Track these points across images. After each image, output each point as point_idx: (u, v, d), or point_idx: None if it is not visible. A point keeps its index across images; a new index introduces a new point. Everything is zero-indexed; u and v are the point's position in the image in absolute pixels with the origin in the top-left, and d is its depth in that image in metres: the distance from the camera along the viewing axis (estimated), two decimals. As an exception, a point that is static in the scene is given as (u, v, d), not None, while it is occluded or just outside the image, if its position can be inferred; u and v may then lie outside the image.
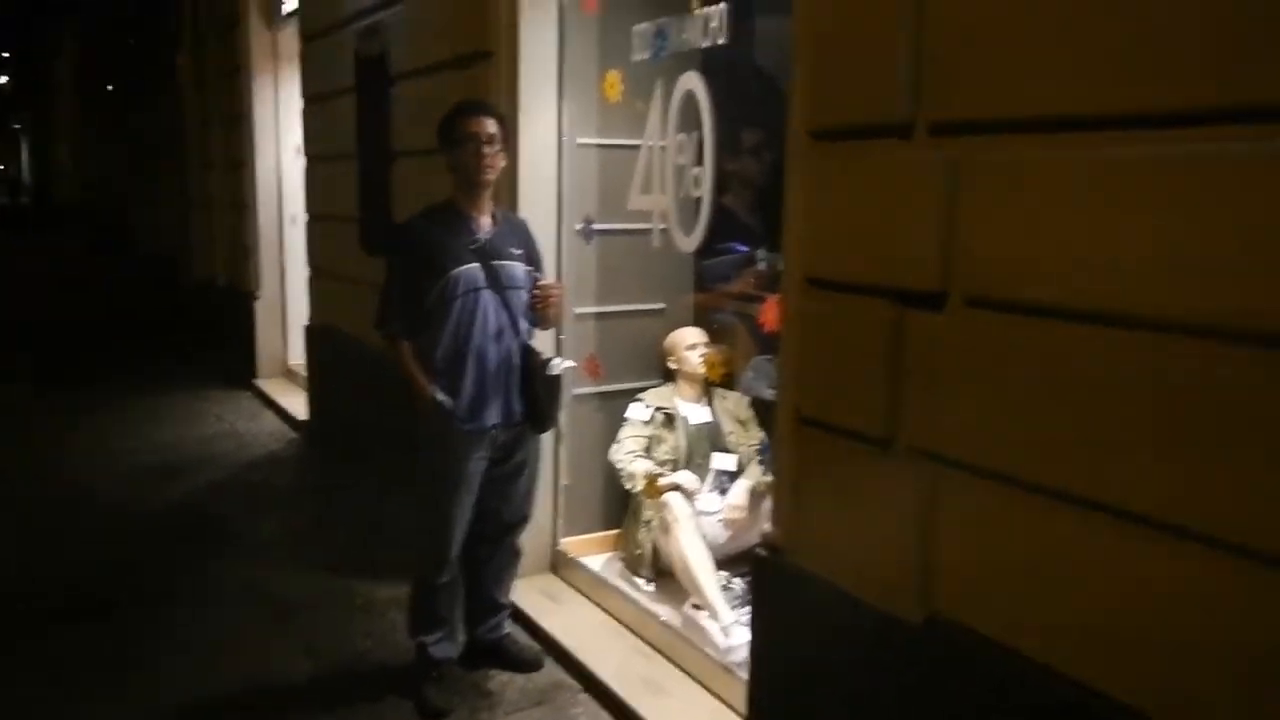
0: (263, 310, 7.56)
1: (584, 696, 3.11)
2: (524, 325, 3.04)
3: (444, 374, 2.94)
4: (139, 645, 3.48)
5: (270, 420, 6.74)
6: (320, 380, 6.29)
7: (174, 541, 4.46)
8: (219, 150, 8.24)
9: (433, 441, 2.98)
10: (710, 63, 3.28)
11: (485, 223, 3.01)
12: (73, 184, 24.25)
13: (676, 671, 3.12)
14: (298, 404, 6.65)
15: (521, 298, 3.03)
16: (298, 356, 7.17)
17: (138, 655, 3.41)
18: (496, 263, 2.97)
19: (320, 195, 6.05)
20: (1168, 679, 1.59)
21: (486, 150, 2.92)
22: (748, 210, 3.70)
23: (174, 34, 9.54)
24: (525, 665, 3.27)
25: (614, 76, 3.60)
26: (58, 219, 25.56)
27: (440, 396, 2.92)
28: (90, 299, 12.62)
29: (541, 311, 3.08)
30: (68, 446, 6.01)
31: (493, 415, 2.98)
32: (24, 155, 41.96)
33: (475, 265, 2.93)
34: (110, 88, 15.30)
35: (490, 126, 2.94)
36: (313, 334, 6.36)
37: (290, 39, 6.78)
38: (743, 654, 2.86)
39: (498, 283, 2.96)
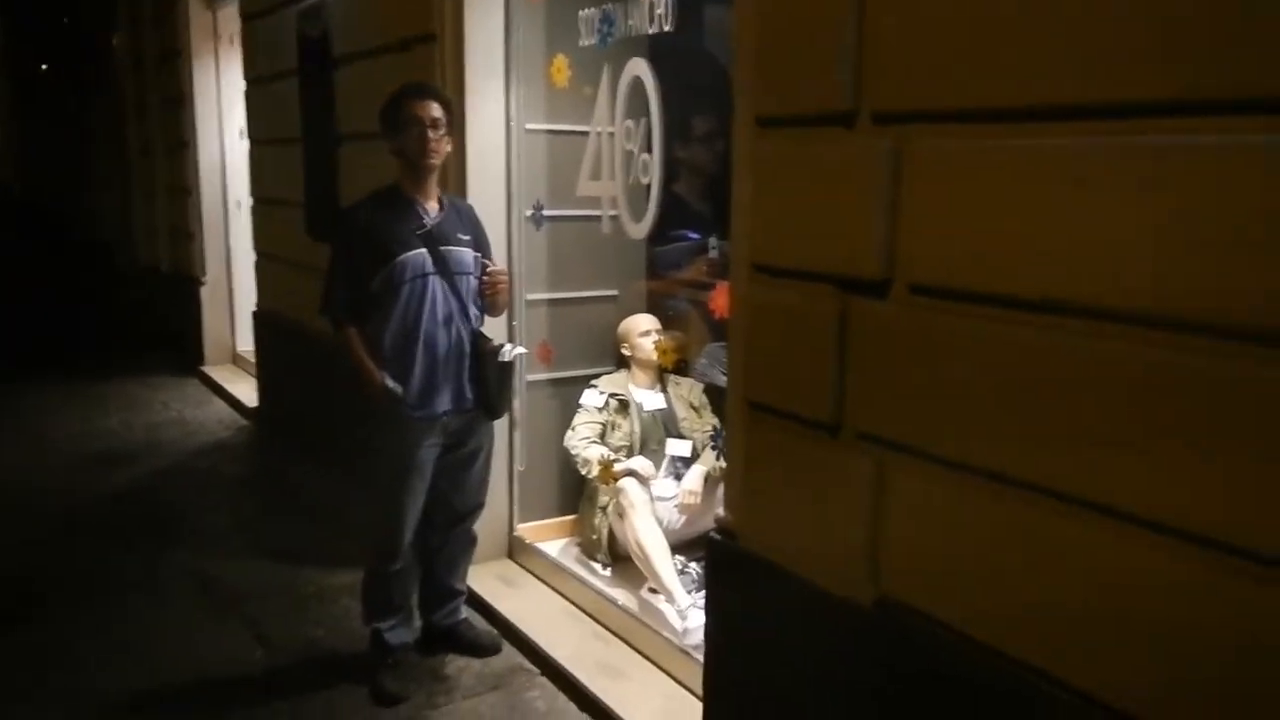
0: (208, 296, 7.43)
1: (541, 680, 3.13)
2: (474, 311, 3.03)
3: (393, 361, 2.92)
4: (77, 641, 3.42)
5: (219, 407, 6.64)
6: (269, 366, 6.21)
7: (116, 532, 4.39)
8: (159, 133, 8.06)
9: (383, 429, 2.96)
10: (658, 49, 3.27)
11: (432, 208, 2.99)
12: (5, 168, 23.53)
13: (634, 655, 3.15)
14: (247, 391, 6.57)
15: (470, 283, 3.02)
16: (246, 343, 7.06)
17: (76, 650, 3.36)
18: (444, 248, 2.95)
19: (265, 179, 5.95)
20: (1111, 661, 1.64)
21: (431, 134, 2.89)
22: (699, 198, 3.70)
23: (110, 13, 9.29)
24: (482, 650, 3.28)
25: (561, 61, 3.57)
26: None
27: (390, 383, 2.90)
28: (27, 286, 12.29)
29: (490, 298, 3.07)
30: (2, 435, 5.86)
31: (443, 402, 2.97)
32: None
33: (422, 251, 2.91)
34: (44, 68, 14.86)
35: (435, 110, 2.91)
36: (261, 320, 6.27)
37: (231, 18, 6.63)
38: (699, 637, 2.88)
39: (446, 268, 2.94)
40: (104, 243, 11.19)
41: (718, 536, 2.48)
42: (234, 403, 6.59)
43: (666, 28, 3.01)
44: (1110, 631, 1.63)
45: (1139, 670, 1.59)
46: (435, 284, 2.92)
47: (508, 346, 3.08)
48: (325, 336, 4.81)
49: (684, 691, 2.90)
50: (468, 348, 3.00)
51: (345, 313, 2.96)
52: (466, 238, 3.03)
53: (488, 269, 3.06)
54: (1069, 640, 1.69)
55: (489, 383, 3.02)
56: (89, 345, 8.71)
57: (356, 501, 4.49)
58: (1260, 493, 1.42)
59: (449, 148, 3.01)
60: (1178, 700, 1.54)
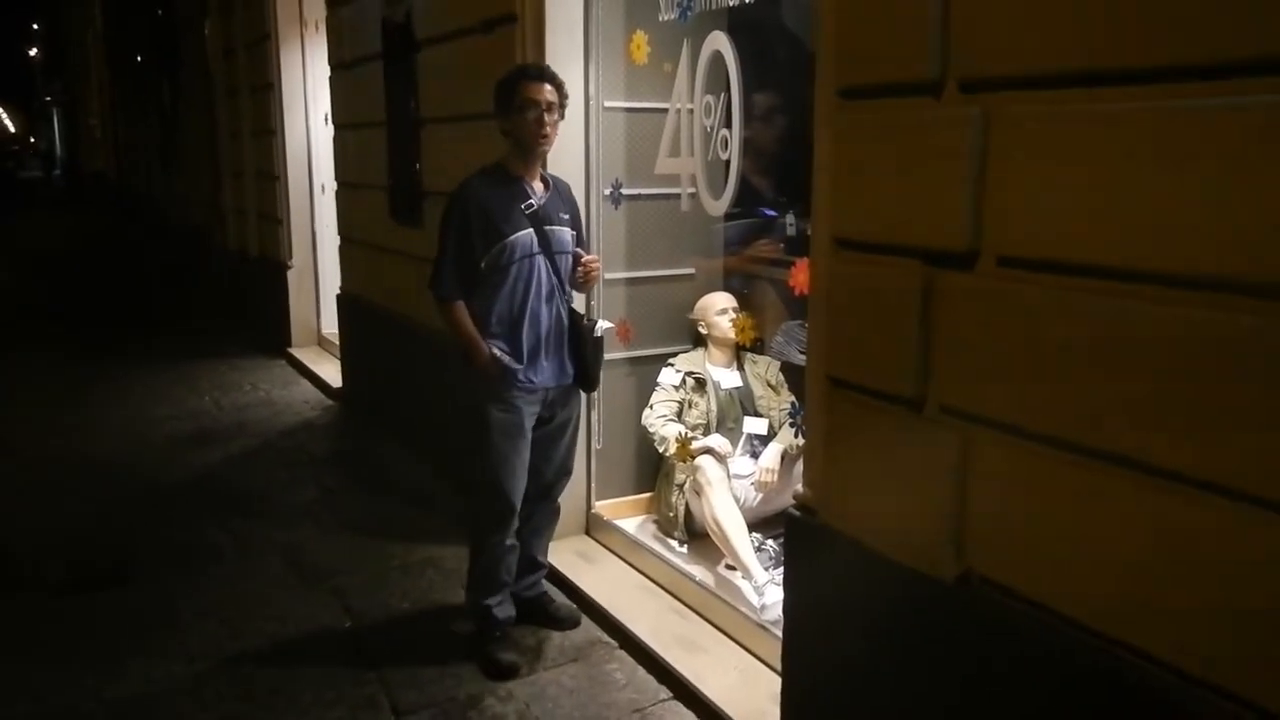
0: (295, 280, 7.63)
1: (620, 653, 3.17)
2: (570, 287, 3.08)
3: (500, 336, 2.98)
4: (172, 603, 3.56)
5: (304, 388, 6.83)
6: (353, 348, 6.36)
7: (207, 507, 4.54)
8: (248, 119, 8.28)
9: (491, 401, 3.00)
10: (738, 23, 3.25)
11: (538, 188, 3.04)
12: (104, 156, 24.44)
13: (712, 630, 3.17)
14: (332, 372, 6.74)
15: (568, 262, 3.07)
16: (331, 325, 7.24)
17: (171, 612, 3.50)
18: (548, 228, 3.01)
19: (350, 164, 6.08)
20: (1198, 634, 1.59)
21: (547, 119, 2.93)
22: (778, 173, 3.67)
23: (201, 2, 9.56)
24: (563, 622, 3.33)
25: (640, 38, 3.58)
26: (89, 191, 25.83)
27: (498, 351, 2.96)
28: (122, 271, 12.80)
29: (583, 283, 3.14)
30: (100, 415, 6.11)
31: (548, 375, 3.03)
32: (56, 127, 42.39)
33: (529, 231, 2.97)
34: (139, 58, 15.37)
35: (551, 94, 2.95)
36: (345, 302, 6.42)
37: (316, 5, 6.78)
38: (777, 612, 2.89)
39: (549, 248, 3.00)
40: (195, 227, 11.55)
41: (797, 512, 2.47)
42: (319, 384, 6.77)
43: (747, 0, 2.99)
44: (1199, 605, 1.58)
45: (1231, 645, 1.54)
46: (540, 263, 2.98)
47: (601, 322, 3.16)
48: (406, 318, 4.94)
49: (761, 665, 2.91)
50: (566, 323, 3.06)
51: (455, 288, 2.99)
52: (566, 217, 3.08)
53: (582, 259, 3.11)
54: (1155, 614, 1.65)
55: (586, 357, 3.09)
56: (181, 327, 9.02)
57: (442, 480, 4.60)
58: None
59: (558, 133, 3.04)
60: (1267, 670, 1.50)
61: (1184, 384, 1.58)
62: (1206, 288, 1.53)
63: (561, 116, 3.01)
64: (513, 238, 2.94)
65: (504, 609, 3.16)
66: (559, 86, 2.99)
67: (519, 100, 2.92)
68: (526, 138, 2.94)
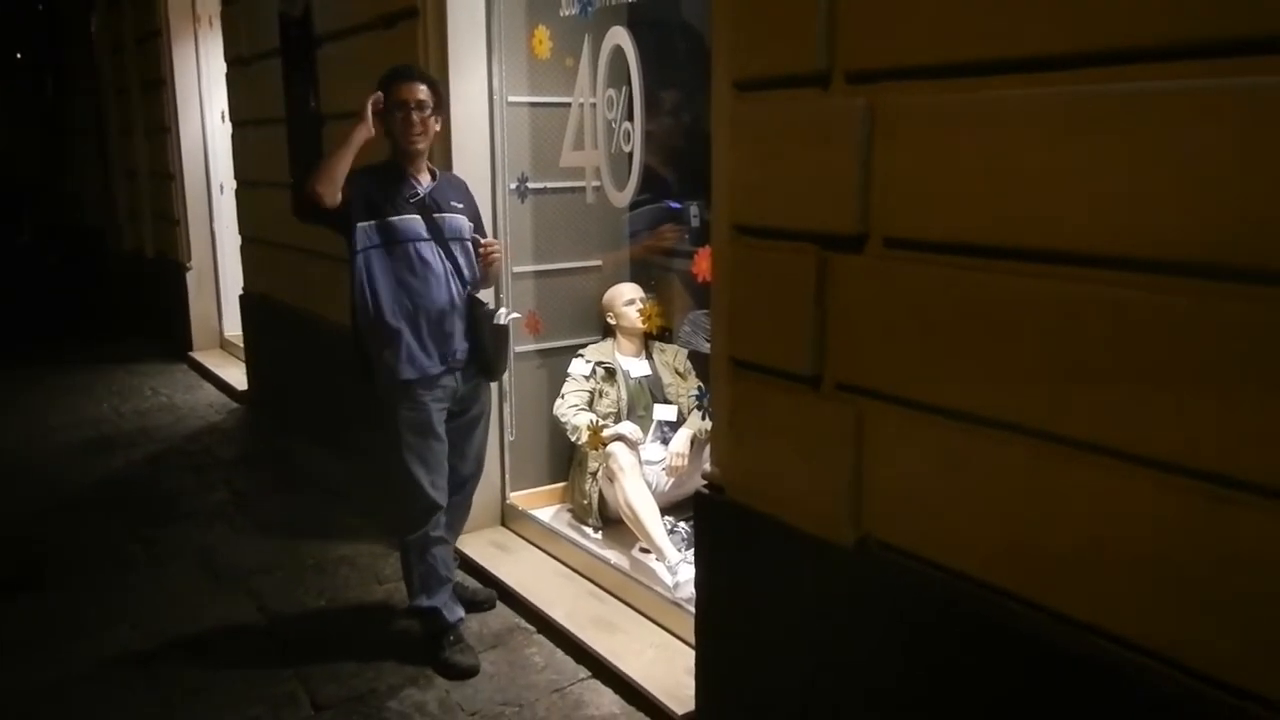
0: (195, 281, 7.45)
1: (539, 637, 3.22)
2: (469, 276, 3.10)
3: (390, 323, 2.96)
4: (81, 608, 3.50)
5: (209, 392, 6.69)
6: (258, 349, 6.26)
7: (114, 512, 4.44)
8: (140, 117, 8.05)
9: (399, 401, 3.00)
10: (637, 18, 3.33)
11: (424, 179, 3.06)
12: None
13: (628, 610, 3.24)
14: (236, 375, 6.61)
15: (467, 249, 3.09)
16: (234, 328, 7.09)
17: (81, 616, 3.43)
18: (438, 215, 3.02)
19: (250, 162, 5.97)
20: (1081, 581, 1.73)
21: (417, 117, 2.95)
22: (679, 164, 3.76)
23: (86, -2, 9.25)
24: (481, 604, 3.39)
25: (542, 33, 3.63)
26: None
27: (388, 353, 2.96)
28: (10, 273, 12.26)
29: (484, 269, 3.15)
30: (-6, 423, 5.91)
31: (434, 363, 3.01)
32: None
33: (416, 217, 2.98)
34: (19, 56, 14.72)
35: (421, 93, 2.97)
36: (248, 303, 6.31)
37: (210, 0, 6.64)
38: (690, 590, 2.98)
39: (440, 235, 3.01)
40: (87, 229, 11.15)
41: (706, 490, 2.57)
42: (224, 387, 6.64)
43: (645, -4, 3.07)
44: (1081, 556, 1.72)
45: (1114, 591, 1.68)
46: (429, 250, 2.99)
47: (503, 311, 3.19)
48: (315, 316, 4.90)
49: (676, 641, 3.00)
50: (462, 311, 3.07)
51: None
52: (460, 205, 3.10)
53: (481, 242, 3.13)
54: (1041, 565, 1.79)
55: (486, 346, 3.11)
56: (74, 332, 8.72)
57: (355, 477, 4.58)
58: (1209, 419, 1.51)
59: (437, 128, 3.07)
60: (1147, 613, 1.64)
61: (1056, 351, 1.72)
62: (1077, 262, 1.67)
63: (437, 114, 3.03)
64: (395, 219, 2.95)
65: (452, 610, 3.12)
66: (432, 85, 3.02)
67: (389, 102, 2.95)
68: (400, 138, 2.97)
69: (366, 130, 2.93)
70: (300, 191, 2.95)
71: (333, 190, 2.87)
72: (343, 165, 2.89)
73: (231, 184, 6.46)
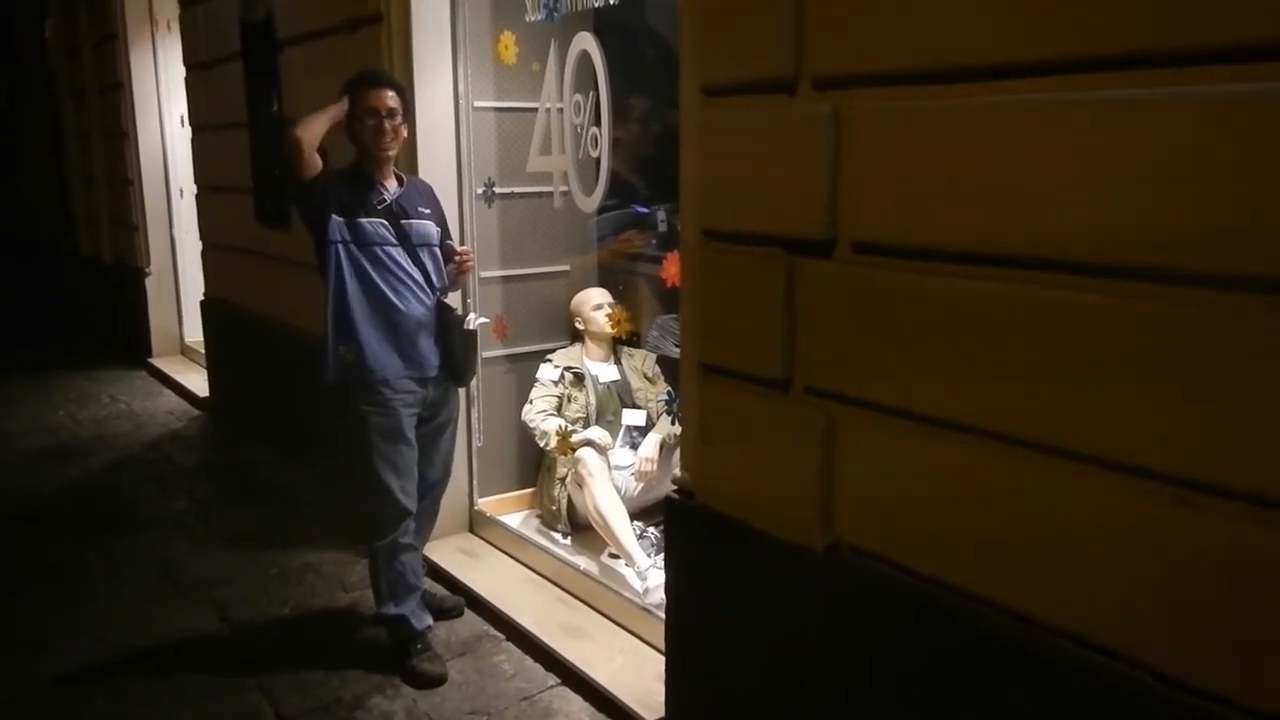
0: (154, 287, 7.33)
1: (507, 645, 3.20)
2: (437, 281, 3.08)
3: (357, 322, 2.94)
4: (37, 625, 3.42)
5: (169, 399, 6.59)
6: (219, 356, 6.18)
7: (72, 523, 4.36)
8: (97, 122, 7.92)
9: (368, 406, 2.97)
10: (603, 23, 3.33)
11: (391, 185, 3.04)
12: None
13: (597, 616, 3.24)
14: (197, 381, 6.52)
15: (435, 254, 3.07)
16: (195, 334, 7.00)
17: (39, 631, 3.36)
18: (405, 221, 3.00)
19: (210, 166, 5.90)
20: (1051, 584, 1.75)
21: (387, 124, 2.93)
22: (647, 170, 3.77)
23: (41, 1, 9.08)
24: (449, 612, 3.36)
25: (508, 38, 3.62)
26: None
27: (343, 350, 2.95)
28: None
29: (455, 277, 3.15)
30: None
31: (397, 367, 2.99)
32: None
33: (383, 222, 2.96)
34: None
35: (390, 100, 2.95)
36: (209, 308, 6.23)
37: (168, 3, 6.55)
38: (659, 595, 2.98)
39: (407, 240, 3.00)
40: (44, 234, 10.94)
41: (676, 495, 2.57)
42: (184, 393, 6.54)
43: (612, 0, 3.07)
44: (1052, 559, 1.74)
45: (1084, 594, 1.70)
46: (397, 255, 2.97)
47: (472, 316, 3.18)
48: (278, 322, 4.84)
49: (646, 647, 3.00)
50: (430, 316, 3.04)
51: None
52: (427, 211, 3.09)
53: (457, 250, 3.13)
54: (1011, 569, 1.81)
55: (455, 351, 3.09)
56: (30, 339, 8.55)
57: (319, 485, 4.53)
58: (1175, 422, 1.54)
59: (405, 134, 3.05)
60: (1113, 616, 1.66)
61: (1023, 355, 1.74)
62: (1043, 267, 1.69)
63: (405, 119, 3.02)
64: (364, 220, 2.93)
65: (420, 618, 3.09)
66: (400, 91, 3.01)
67: (357, 109, 2.93)
68: (369, 145, 2.95)
69: (341, 109, 2.93)
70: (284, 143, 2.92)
71: (310, 144, 2.86)
72: (320, 126, 2.88)
73: (192, 189, 6.37)
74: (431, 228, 3.07)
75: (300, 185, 2.91)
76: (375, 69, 3.22)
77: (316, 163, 2.88)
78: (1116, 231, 1.58)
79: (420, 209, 3.06)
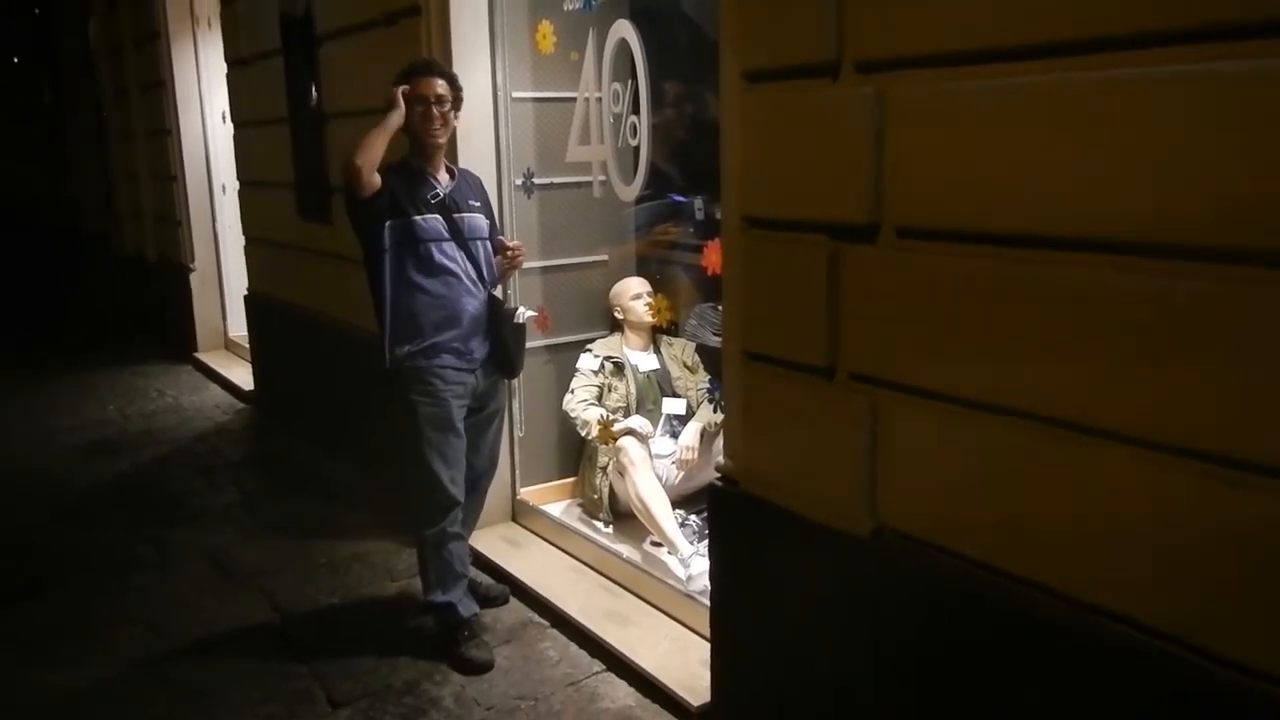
0: (198, 282, 7.46)
1: (552, 632, 3.23)
2: (488, 275, 3.11)
3: (414, 320, 2.97)
4: (92, 613, 3.50)
5: (214, 393, 6.69)
6: (263, 349, 6.26)
7: (123, 515, 4.44)
8: (140, 120, 8.04)
9: (419, 396, 3.00)
10: (640, 10, 3.32)
11: (443, 178, 3.07)
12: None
13: (640, 603, 3.25)
14: (242, 375, 6.61)
15: (486, 248, 3.10)
16: (239, 328, 7.10)
17: (91, 621, 3.44)
18: (458, 215, 3.03)
19: (252, 162, 5.97)
20: (1101, 567, 1.73)
21: (436, 112, 2.95)
22: (686, 157, 3.76)
23: (83, 1, 9.23)
24: (492, 601, 3.39)
25: (546, 28, 3.63)
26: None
27: (409, 349, 2.97)
28: (13, 278, 12.26)
29: (505, 271, 3.19)
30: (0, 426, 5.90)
31: (460, 360, 3.03)
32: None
33: (436, 217, 2.99)
34: (16, 60, 14.73)
35: (440, 87, 2.97)
36: (252, 303, 6.31)
37: (209, 1, 6.63)
38: (703, 582, 2.99)
39: (460, 235, 3.02)
40: (89, 232, 11.15)
41: (719, 483, 2.57)
42: (229, 387, 6.64)
43: (650, -12, 3.06)
44: (1101, 542, 1.72)
45: (1131, 575, 1.69)
46: (451, 249, 3.00)
47: (521, 309, 3.21)
48: (321, 316, 4.90)
49: (690, 633, 3.01)
50: (482, 310, 3.07)
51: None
52: (477, 204, 3.12)
53: (508, 244, 3.16)
54: (1060, 552, 1.79)
55: (506, 344, 3.13)
56: (78, 335, 8.72)
57: (365, 476, 4.58)
58: (1226, 402, 1.51)
59: (456, 124, 3.07)
60: (1163, 596, 1.64)
61: (1070, 337, 1.72)
62: (1088, 248, 1.66)
63: (456, 109, 3.04)
64: (418, 218, 2.96)
65: (467, 605, 3.12)
66: (451, 80, 3.02)
67: (410, 95, 2.95)
68: (419, 133, 2.97)
69: (400, 115, 2.93)
70: (345, 173, 2.91)
71: (370, 168, 2.86)
72: (380, 145, 2.89)
73: (234, 184, 6.45)
74: (482, 221, 3.10)
75: (362, 203, 2.93)
76: (427, 59, 3.24)
77: (376, 181, 2.90)
78: (1170, 211, 1.56)
79: (471, 202, 3.09)
